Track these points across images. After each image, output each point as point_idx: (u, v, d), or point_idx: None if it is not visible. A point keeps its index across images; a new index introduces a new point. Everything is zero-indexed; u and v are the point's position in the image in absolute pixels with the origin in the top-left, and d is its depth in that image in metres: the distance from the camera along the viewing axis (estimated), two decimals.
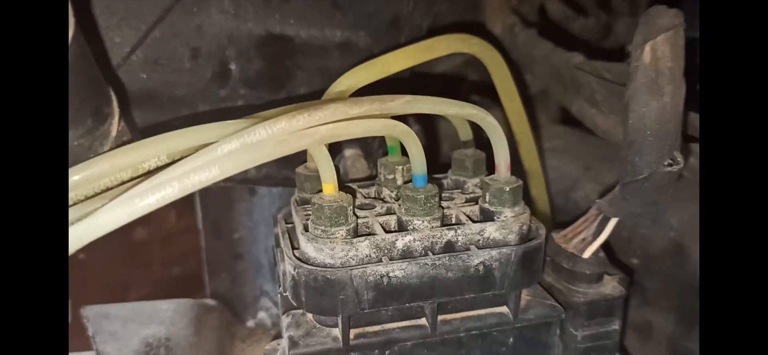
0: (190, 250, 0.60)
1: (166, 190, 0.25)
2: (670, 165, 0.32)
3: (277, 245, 0.41)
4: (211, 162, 0.26)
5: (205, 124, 0.29)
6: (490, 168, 0.41)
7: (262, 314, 0.56)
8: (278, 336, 0.54)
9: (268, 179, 0.46)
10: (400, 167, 0.40)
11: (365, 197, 0.40)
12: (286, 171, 0.47)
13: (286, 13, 0.42)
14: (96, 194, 0.28)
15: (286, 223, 0.40)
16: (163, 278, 0.70)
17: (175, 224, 0.64)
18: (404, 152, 0.41)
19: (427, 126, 0.54)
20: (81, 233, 0.24)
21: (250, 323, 0.54)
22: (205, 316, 0.48)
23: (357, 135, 0.31)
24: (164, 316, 0.44)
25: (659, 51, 0.30)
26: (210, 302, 0.51)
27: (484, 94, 0.55)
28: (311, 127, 0.29)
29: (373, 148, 0.51)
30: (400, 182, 0.40)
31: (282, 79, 0.44)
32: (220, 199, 0.57)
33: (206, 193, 0.56)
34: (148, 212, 0.25)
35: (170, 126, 0.42)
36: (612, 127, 0.47)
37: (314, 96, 0.46)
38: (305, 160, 0.40)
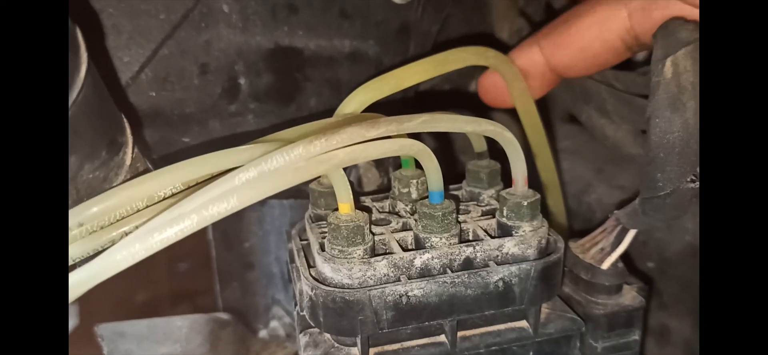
0: (200, 260, 0.60)
1: (185, 223, 0.25)
2: (693, 181, 0.31)
3: (292, 261, 0.40)
4: (229, 192, 0.26)
5: (219, 151, 0.29)
6: (505, 179, 0.41)
7: (274, 324, 0.56)
8: (293, 349, 0.54)
9: (279, 193, 0.46)
10: (415, 181, 0.39)
11: (380, 212, 0.39)
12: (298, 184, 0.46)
13: (294, 25, 0.42)
14: (110, 224, 0.27)
15: (301, 239, 0.39)
16: (173, 290, 0.70)
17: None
18: (418, 164, 0.41)
19: (439, 135, 0.53)
20: (97, 270, 0.24)
21: (263, 333, 0.54)
22: (219, 331, 0.48)
23: (374, 157, 0.30)
24: (179, 333, 0.44)
25: (681, 66, 0.30)
26: (223, 316, 0.51)
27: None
28: (328, 151, 0.28)
29: (384, 158, 0.51)
30: (414, 195, 0.40)
31: (292, 92, 0.44)
32: None
33: None
34: (166, 246, 0.25)
35: (180, 144, 0.42)
36: (622, 137, 0.46)
37: (324, 108, 0.46)
38: None
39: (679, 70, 0.29)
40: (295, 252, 0.37)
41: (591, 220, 0.56)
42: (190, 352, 0.43)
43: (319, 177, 0.39)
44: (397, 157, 0.52)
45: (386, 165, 0.51)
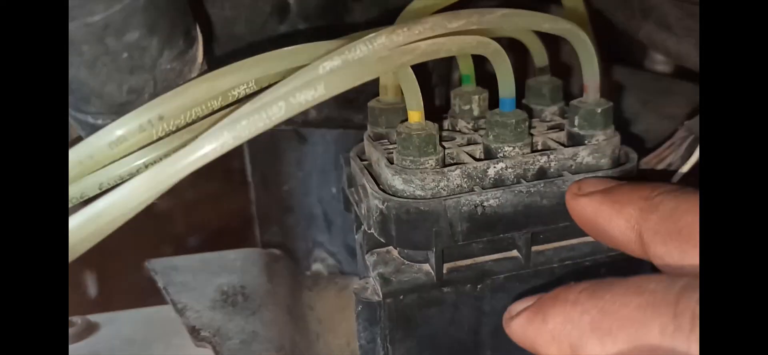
0: (240, 204, 0.59)
1: (272, 109, 0.23)
2: None
3: (351, 184, 0.39)
4: (316, 80, 0.24)
5: (294, 46, 0.27)
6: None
7: (317, 266, 0.55)
8: (343, 284, 0.53)
9: (328, 121, 0.44)
10: (477, 97, 0.38)
11: (442, 130, 0.38)
12: (347, 112, 0.45)
13: None
14: (186, 124, 0.26)
15: (361, 160, 0.38)
16: (215, 233, 0.70)
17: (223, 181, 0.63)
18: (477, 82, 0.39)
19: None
20: (187, 162, 0.23)
21: (307, 274, 0.53)
22: (273, 264, 0.47)
23: (454, 52, 0.29)
24: (234, 265, 0.43)
25: None
26: (275, 251, 0.49)
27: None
28: (410, 43, 0.27)
29: (430, 83, 0.49)
30: (476, 112, 0.38)
31: (340, 12, 0.42)
32: (268, 150, 0.55)
33: (254, 144, 0.55)
34: (255, 136, 0.23)
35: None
36: (686, 50, 0.44)
37: (372, 27, 0.44)
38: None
39: None
40: (358, 171, 0.36)
41: (640, 150, 0.55)
42: (249, 282, 0.42)
43: (379, 94, 0.38)
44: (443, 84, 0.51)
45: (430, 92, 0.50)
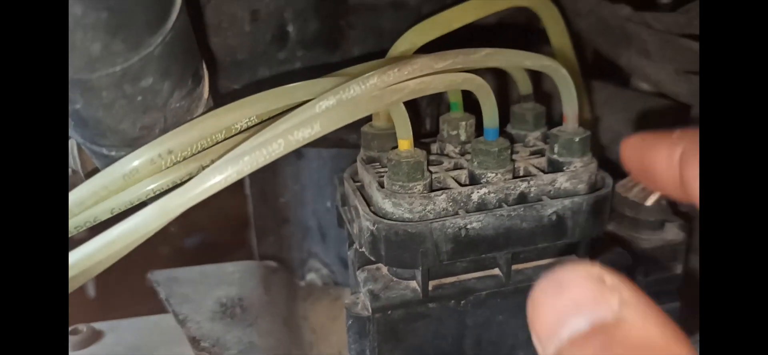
0: (237, 215, 0.61)
1: (272, 146, 0.26)
2: None
3: (344, 203, 0.41)
4: (312, 119, 0.26)
5: (293, 84, 0.30)
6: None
7: (311, 276, 0.57)
8: (336, 294, 0.55)
9: (324, 140, 0.46)
10: (464, 123, 0.40)
11: (430, 153, 0.40)
12: (342, 132, 0.47)
13: None
14: (192, 154, 0.28)
15: (354, 181, 0.40)
16: (216, 244, 0.71)
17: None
18: (465, 108, 0.42)
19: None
20: (194, 194, 0.25)
21: (301, 284, 0.55)
22: (270, 276, 0.49)
23: (440, 89, 0.31)
24: (233, 277, 0.45)
25: None
26: (271, 263, 0.52)
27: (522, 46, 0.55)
28: (400, 82, 0.29)
29: (421, 107, 0.52)
30: (463, 137, 0.40)
31: (337, 40, 0.44)
32: (267, 164, 0.57)
33: None
34: (256, 169, 0.26)
35: (230, 91, 0.42)
36: (664, 77, 0.47)
37: (368, 55, 0.46)
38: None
39: None
40: (351, 192, 0.38)
41: (623, 169, 0.57)
42: (247, 294, 0.44)
43: (372, 120, 0.40)
44: (433, 108, 0.53)
45: (423, 115, 0.52)
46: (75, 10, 0.20)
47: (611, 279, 0.19)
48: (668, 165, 0.26)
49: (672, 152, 0.26)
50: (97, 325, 0.45)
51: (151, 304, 0.50)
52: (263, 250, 0.60)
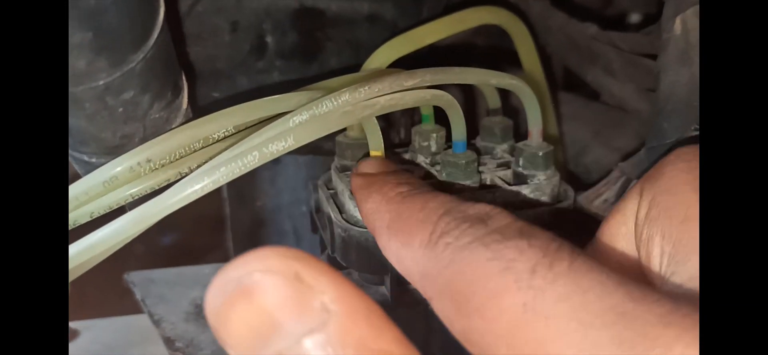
0: (213, 216, 0.62)
1: (247, 158, 0.27)
2: (695, 130, 0.34)
3: (318, 209, 0.43)
4: (286, 132, 0.28)
5: (270, 96, 0.31)
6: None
7: None
8: None
9: (299, 147, 0.48)
10: (434, 135, 0.42)
11: (402, 163, 0.42)
12: (317, 140, 0.49)
13: None
14: (170, 162, 0.29)
15: (328, 189, 0.42)
16: (191, 244, 0.72)
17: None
18: (436, 121, 0.43)
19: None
20: (168, 203, 0.26)
21: None
22: None
23: (410, 105, 0.32)
24: (208, 279, 0.46)
25: (689, 24, 0.32)
26: None
27: (491, 62, 0.57)
28: (371, 98, 0.31)
29: (395, 117, 0.53)
30: (434, 149, 0.42)
31: (314, 51, 0.46)
32: None
33: None
34: (231, 180, 0.27)
35: (209, 98, 0.44)
36: (628, 95, 0.49)
37: (344, 67, 0.48)
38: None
39: (688, 27, 0.32)
40: (324, 200, 0.40)
41: (588, 180, 0.59)
42: None
43: (346, 130, 0.42)
44: (406, 119, 0.55)
45: (397, 126, 0.53)
46: None
47: (311, 275, 0.17)
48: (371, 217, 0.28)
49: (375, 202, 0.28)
50: (73, 324, 0.46)
51: (126, 302, 0.50)
52: (239, 251, 0.60)
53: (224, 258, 0.61)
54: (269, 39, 0.43)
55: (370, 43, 0.47)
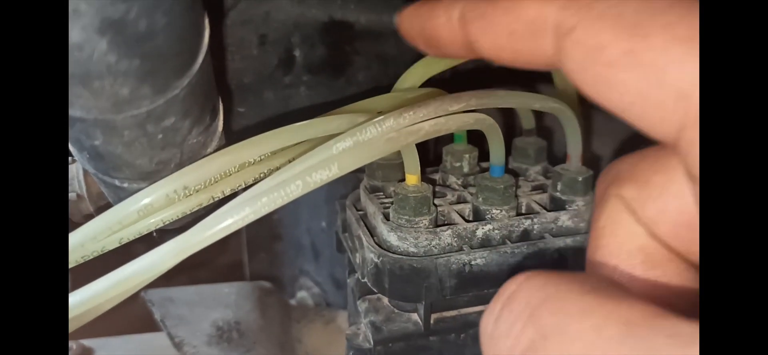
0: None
1: (290, 187, 0.26)
2: None
3: (345, 230, 0.41)
4: (330, 160, 0.27)
5: (308, 120, 0.30)
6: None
7: (302, 294, 0.57)
8: (330, 316, 0.55)
9: None
10: (467, 156, 0.41)
11: (434, 185, 0.41)
12: None
13: None
14: (204, 187, 0.28)
15: (357, 209, 0.40)
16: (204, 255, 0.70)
17: None
18: (469, 141, 0.42)
19: None
20: (209, 234, 0.25)
21: (292, 303, 0.55)
22: (266, 298, 0.49)
23: (453, 130, 0.31)
24: (228, 299, 0.45)
25: None
26: (266, 284, 0.51)
27: (518, 77, 0.56)
28: (415, 123, 0.29)
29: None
30: (466, 170, 0.41)
31: (342, 65, 0.44)
32: None
33: None
34: (272, 210, 0.26)
35: (235, 114, 0.42)
36: None
37: (372, 82, 0.46)
38: None
39: None
40: (354, 221, 0.38)
41: None
42: (243, 317, 0.44)
43: None
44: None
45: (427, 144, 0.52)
46: (109, 58, 0.20)
47: None
48: (449, 28, 0.25)
49: (450, 15, 0.25)
50: (87, 342, 0.45)
51: (140, 318, 0.49)
52: (254, 265, 0.59)
53: (238, 270, 0.59)
54: (297, 52, 0.42)
55: (398, 58, 0.46)
